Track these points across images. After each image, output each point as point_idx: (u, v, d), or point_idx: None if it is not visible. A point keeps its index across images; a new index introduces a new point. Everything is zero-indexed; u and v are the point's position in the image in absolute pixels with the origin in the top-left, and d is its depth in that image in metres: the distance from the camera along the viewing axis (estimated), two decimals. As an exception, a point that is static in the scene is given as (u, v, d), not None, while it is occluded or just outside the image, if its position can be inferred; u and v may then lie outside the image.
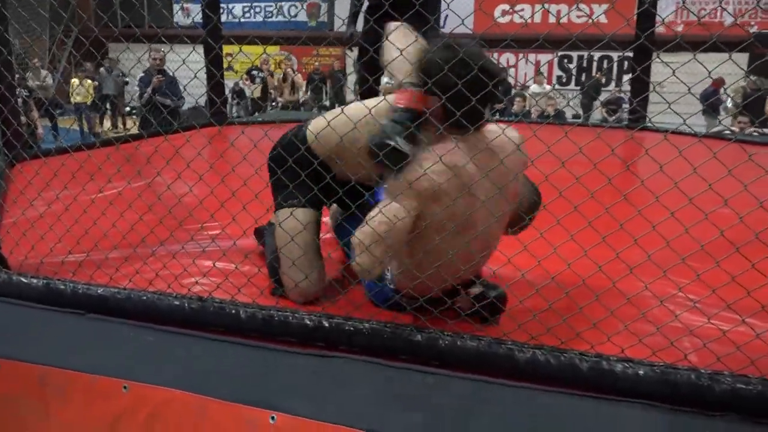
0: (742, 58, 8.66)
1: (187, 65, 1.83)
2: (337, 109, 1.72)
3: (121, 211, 1.82)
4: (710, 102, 6.90)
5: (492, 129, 1.56)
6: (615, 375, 1.36)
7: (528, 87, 9.83)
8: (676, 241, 1.38)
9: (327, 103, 9.66)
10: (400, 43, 1.55)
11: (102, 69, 10.43)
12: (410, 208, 1.43)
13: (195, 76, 1.92)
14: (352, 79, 9.53)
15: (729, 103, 7.46)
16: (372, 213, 1.47)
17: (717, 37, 1.33)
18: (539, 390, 1.37)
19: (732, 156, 1.34)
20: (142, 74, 5.83)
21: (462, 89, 1.40)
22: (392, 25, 1.67)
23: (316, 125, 1.71)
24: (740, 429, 1.25)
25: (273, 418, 1.32)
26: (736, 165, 1.32)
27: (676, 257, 1.40)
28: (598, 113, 9.24)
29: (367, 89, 3.25)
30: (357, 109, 1.65)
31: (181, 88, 5.73)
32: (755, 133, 5.52)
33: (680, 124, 1.47)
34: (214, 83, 4.85)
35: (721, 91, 7.48)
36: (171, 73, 5.75)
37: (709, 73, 1.36)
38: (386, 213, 1.43)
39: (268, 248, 1.86)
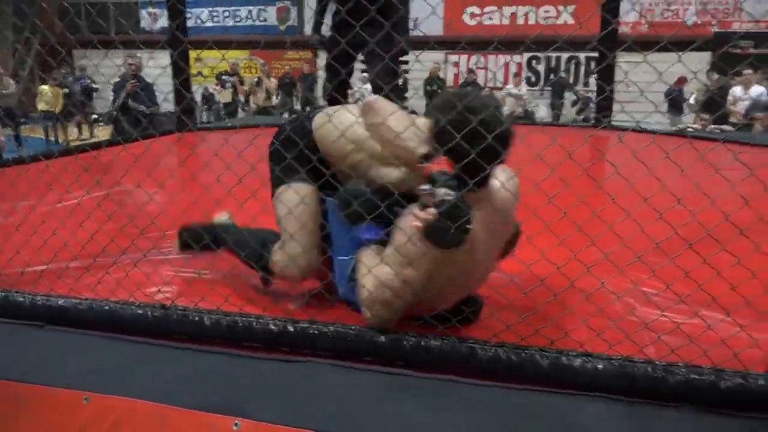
0: (705, 56, 8.89)
1: (163, 71, 1.80)
2: (345, 115, 1.68)
3: (80, 222, 1.80)
4: (673, 98, 7.06)
5: (493, 184, 1.52)
6: (574, 370, 1.39)
7: (501, 89, 9.94)
8: (633, 239, 1.42)
9: (298, 106, 9.61)
10: (397, 119, 1.54)
11: (70, 77, 10.25)
12: (423, 270, 1.43)
13: (182, 85, 1.90)
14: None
15: (692, 100, 7.63)
16: (383, 271, 1.45)
17: (669, 38, 1.37)
18: (502, 387, 1.39)
19: (692, 152, 1.37)
20: (117, 79, 5.75)
21: (476, 157, 1.37)
22: (372, 98, 1.68)
23: (320, 123, 1.69)
24: (694, 418, 1.29)
25: (236, 424, 1.31)
26: (690, 164, 1.36)
27: (633, 255, 1.43)
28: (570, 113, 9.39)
29: (331, 95, 3.26)
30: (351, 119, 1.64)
31: (158, 94, 5.69)
32: (716, 130, 5.66)
33: (637, 121, 1.51)
34: (178, 89, 4.82)
35: (684, 89, 7.66)
36: (148, 80, 5.69)
37: (659, 74, 1.39)
38: (401, 276, 1.43)
39: (237, 244, 1.83)
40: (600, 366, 1.38)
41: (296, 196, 1.67)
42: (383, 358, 1.48)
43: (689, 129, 5.96)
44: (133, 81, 5.62)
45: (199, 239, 1.92)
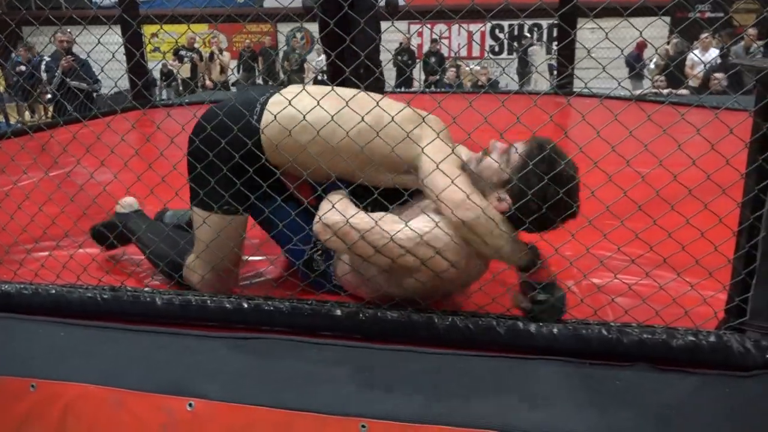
0: (665, 21, 8.96)
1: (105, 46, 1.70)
2: (306, 98, 1.50)
3: (18, 203, 1.72)
4: (633, 64, 7.12)
5: None
6: (531, 335, 1.39)
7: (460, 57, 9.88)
8: (586, 204, 1.41)
9: (260, 81, 9.42)
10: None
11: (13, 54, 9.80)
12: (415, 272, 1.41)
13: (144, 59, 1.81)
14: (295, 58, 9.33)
15: (652, 65, 7.70)
16: (418, 222, 1.39)
17: (617, 3, 1.35)
18: (460, 354, 1.39)
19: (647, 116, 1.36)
20: (48, 58, 5.50)
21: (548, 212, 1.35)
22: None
23: (273, 117, 1.49)
24: (648, 377, 1.31)
25: (191, 404, 1.29)
26: (638, 126, 1.35)
27: (584, 220, 1.43)
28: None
29: (332, 66, 3.01)
30: (327, 97, 1.48)
31: (96, 71, 5.46)
32: (674, 94, 5.73)
33: (586, 88, 1.49)
34: (134, 65, 4.66)
35: (645, 54, 7.72)
36: (84, 57, 5.46)
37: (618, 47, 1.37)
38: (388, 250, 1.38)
39: (144, 241, 1.74)
40: (555, 330, 1.38)
41: (221, 225, 1.57)
42: (341, 331, 1.47)
43: (650, 93, 6.03)
44: (68, 57, 5.38)
45: (112, 230, 1.81)
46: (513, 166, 1.38)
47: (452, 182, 1.36)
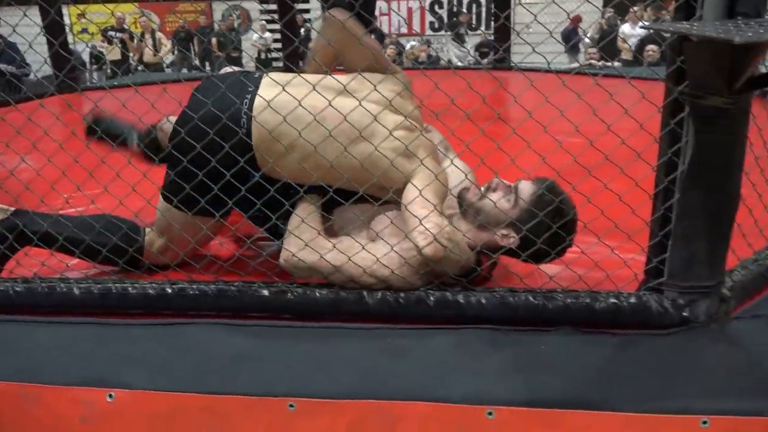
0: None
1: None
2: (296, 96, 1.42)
3: None
4: (569, 38, 7.26)
5: None
6: (459, 304, 1.40)
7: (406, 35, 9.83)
8: (508, 171, 1.42)
9: (196, 62, 9.12)
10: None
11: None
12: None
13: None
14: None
15: (587, 39, 7.86)
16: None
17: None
18: (389, 328, 1.39)
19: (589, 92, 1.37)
20: None
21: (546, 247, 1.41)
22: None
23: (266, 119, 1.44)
24: (572, 340, 1.34)
25: (111, 395, 1.24)
26: (572, 102, 1.36)
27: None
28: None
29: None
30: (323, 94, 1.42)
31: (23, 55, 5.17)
32: (607, 66, 5.87)
33: (517, 63, 1.49)
34: (58, 47, 4.41)
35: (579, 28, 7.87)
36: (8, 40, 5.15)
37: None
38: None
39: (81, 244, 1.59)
40: (483, 299, 1.40)
41: (198, 230, 1.56)
42: (269, 312, 1.44)
43: (586, 65, 6.16)
44: None
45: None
46: (521, 210, 1.42)
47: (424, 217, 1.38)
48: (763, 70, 1.20)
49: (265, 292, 1.43)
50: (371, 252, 1.40)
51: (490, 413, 1.17)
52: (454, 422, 1.19)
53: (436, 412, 1.19)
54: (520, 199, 1.42)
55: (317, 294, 1.43)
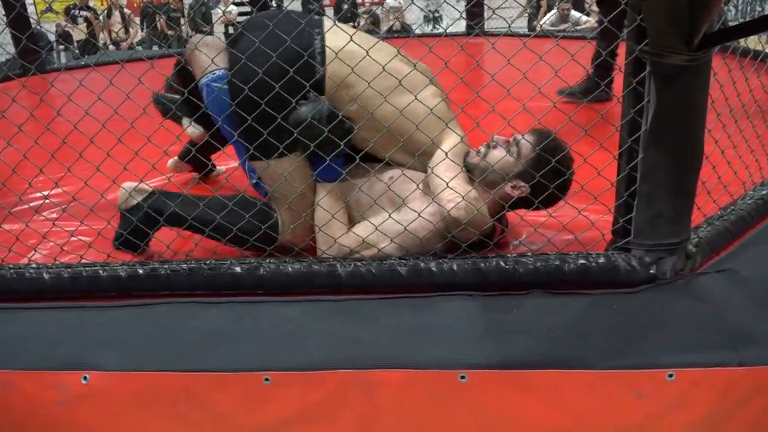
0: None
1: None
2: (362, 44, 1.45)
3: None
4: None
5: None
6: (432, 272, 1.41)
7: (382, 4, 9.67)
8: (473, 135, 1.43)
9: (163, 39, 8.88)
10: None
11: None
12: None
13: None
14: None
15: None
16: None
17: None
18: (362, 299, 1.39)
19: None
20: None
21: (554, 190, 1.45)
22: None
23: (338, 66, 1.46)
24: (543, 302, 1.36)
25: (85, 378, 1.23)
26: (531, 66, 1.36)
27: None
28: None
29: None
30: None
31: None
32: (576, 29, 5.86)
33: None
34: (20, 26, 4.28)
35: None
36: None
37: None
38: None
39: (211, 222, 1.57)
40: (455, 267, 1.41)
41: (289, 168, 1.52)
42: (242, 288, 1.44)
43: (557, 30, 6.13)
44: None
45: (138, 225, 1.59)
46: (526, 158, 1.47)
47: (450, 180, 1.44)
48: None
49: (238, 269, 1.43)
50: (398, 222, 1.45)
51: (462, 377, 1.19)
52: (428, 387, 1.21)
53: (411, 378, 1.21)
54: (523, 149, 1.47)
55: (290, 268, 1.43)
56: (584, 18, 6.31)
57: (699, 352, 1.19)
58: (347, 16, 8.27)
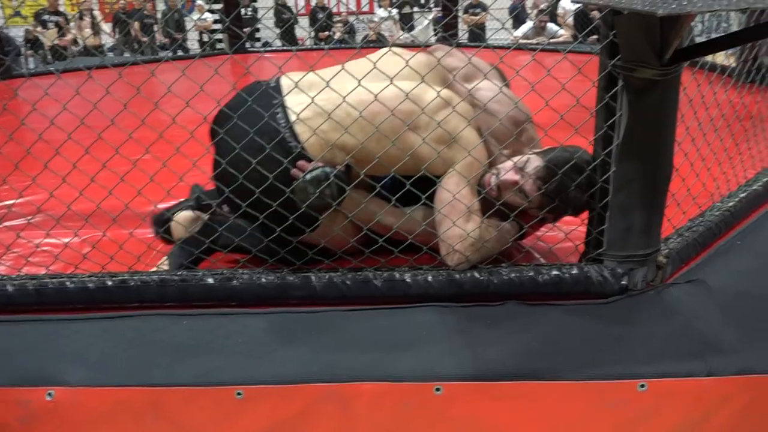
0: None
1: None
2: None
3: None
4: (517, 14, 7.30)
5: None
6: (407, 284, 1.41)
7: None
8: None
9: (136, 45, 8.77)
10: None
11: None
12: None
13: None
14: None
15: (533, 15, 7.93)
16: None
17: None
18: (337, 311, 1.38)
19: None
20: None
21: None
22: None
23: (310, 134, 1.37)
24: (518, 313, 1.36)
25: (50, 394, 1.20)
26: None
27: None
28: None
29: None
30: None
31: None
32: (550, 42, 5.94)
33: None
34: None
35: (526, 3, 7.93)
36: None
37: None
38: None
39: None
40: (430, 278, 1.40)
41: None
42: (214, 300, 1.41)
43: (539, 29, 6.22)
44: None
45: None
46: (537, 193, 1.40)
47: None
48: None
49: (211, 280, 1.40)
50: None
51: (437, 389, 1.19)
52: (403, 399, 1.20)
53: (386, 391, 1.20)
54: (530, 179, 1.40)
55: (263, 279, 1.41)
56: (561, 31, 6.42)
57: (670, 363, 1.20)
58: (323, 26, 8.27)
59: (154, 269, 1.55)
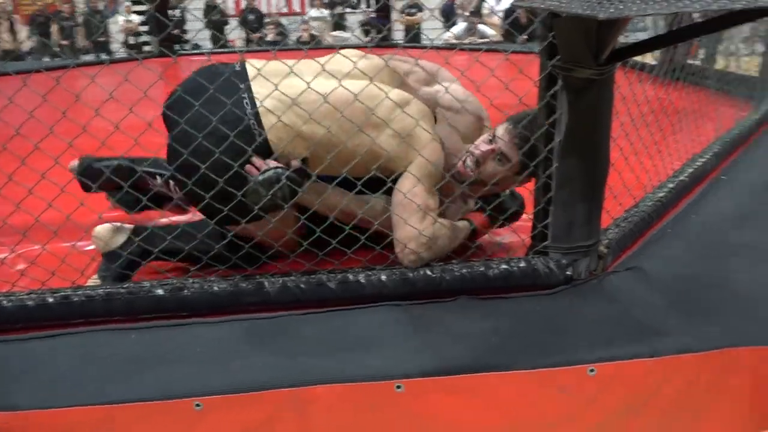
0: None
1: None
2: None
3: None
4: (447, 14, 7.45)
5: None
6: (361, 285, 1.42)
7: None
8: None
9: (56, 49, 8.37)
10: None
11: None
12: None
13: None
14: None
15: (466, 14, 8.10)
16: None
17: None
18: (291, 315, 1.37)
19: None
20: None
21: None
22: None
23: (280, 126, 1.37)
24: (470, 307, 1.40)
25: (-6, 420, 1.13)
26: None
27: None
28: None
29: None
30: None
31: None
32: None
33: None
34: None
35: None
36: None
37: None
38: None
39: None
40: (384, 277, 1.42)
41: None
42: (165, 312, 1.37)
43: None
44: None
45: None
46: (515, 155, 1.45)
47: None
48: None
49: (160, 291, 1.36)
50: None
51: (398, 387, 1.20)
52: (365, 400, 1.21)
53: (347, 392, 1.20)
54: (509, 151, 1.46)
55: (216, 287, 1.38)
56: (490, 32, 6.59)
57: (616, 346, 1.26)
58: (253, 27, 8.15)
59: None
